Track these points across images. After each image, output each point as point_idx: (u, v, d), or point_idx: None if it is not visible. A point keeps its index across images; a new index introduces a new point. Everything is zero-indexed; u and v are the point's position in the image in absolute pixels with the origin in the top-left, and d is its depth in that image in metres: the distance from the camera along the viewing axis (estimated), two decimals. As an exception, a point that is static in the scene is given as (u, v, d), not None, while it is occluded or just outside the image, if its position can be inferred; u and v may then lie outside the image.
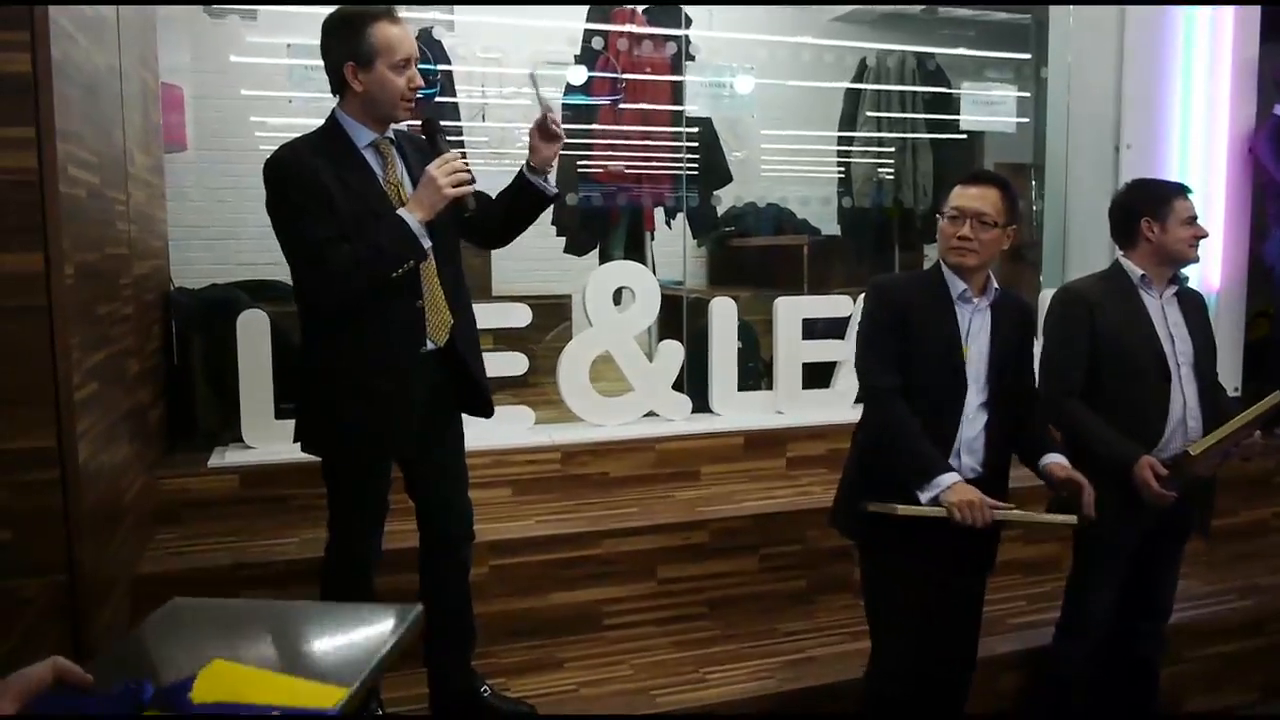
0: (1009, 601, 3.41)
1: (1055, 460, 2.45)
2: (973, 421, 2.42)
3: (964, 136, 6.39)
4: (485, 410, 2.55)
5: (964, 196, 2.41)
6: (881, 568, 2.50)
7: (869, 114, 5.86)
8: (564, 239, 5.04)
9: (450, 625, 2.58)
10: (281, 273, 2.42)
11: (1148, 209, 2.72)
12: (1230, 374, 4.35)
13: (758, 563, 3.32)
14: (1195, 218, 2.74)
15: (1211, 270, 4.46)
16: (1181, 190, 2.76)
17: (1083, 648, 2.81)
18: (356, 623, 1.68)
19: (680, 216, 4.96)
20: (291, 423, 2.41)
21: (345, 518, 2.46)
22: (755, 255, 6.07)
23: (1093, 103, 4.76)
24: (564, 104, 4.79)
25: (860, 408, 2.53)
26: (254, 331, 3.37)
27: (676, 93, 4.76)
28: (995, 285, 2.46)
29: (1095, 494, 2.40)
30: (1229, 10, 4.46)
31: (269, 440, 3.38)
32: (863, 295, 2.54)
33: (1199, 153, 4.53)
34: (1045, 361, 2.75)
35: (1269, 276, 4.53)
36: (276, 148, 2.26)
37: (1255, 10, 4.48)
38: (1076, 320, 2.70)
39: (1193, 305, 2.80)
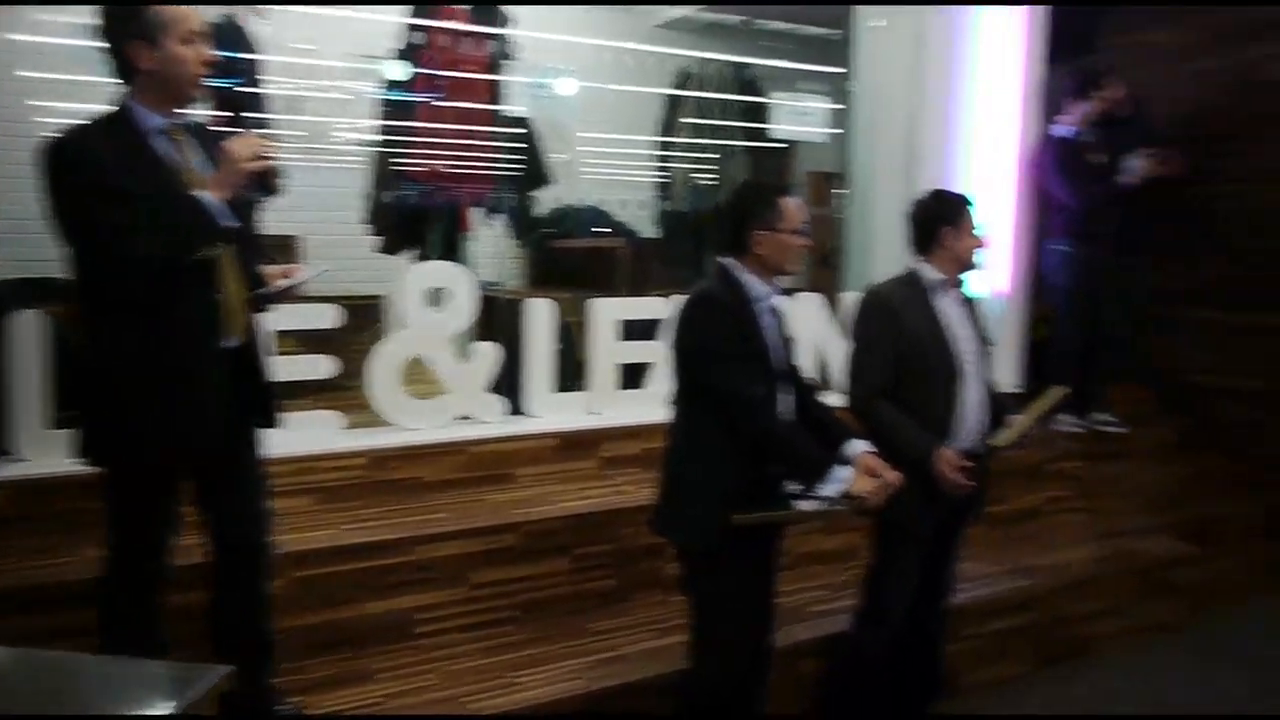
0: (809, 591, 3.57)
1: (865, 447, 2.59)
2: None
3: (781, 145, 6.63)
4: (269, 417, 2.47)
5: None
6: (734, 574, 2.54)
7: (688, 120, 5.99)
8: (380, 238, 4.92)
9: (246, 642, 2.49)
10: (59, 269, 2.26)
11: (947, 217, 2.90)
12: (1015, 372, 4.72)
13: (570, 564, 3.35)
14: (979, 228, 2.95)
15: (998, 276, 4.81)
16: (969, 201, 2.97)
17: (883, 634, 2.97)
18: (139, 686, 1.41)
19: (500, 217, 4.95)
20: (70, 432, 2.26)
21: (133, 534, 2.32)
22: (575, 257, 6.12)
23: (893, 115, 5.04)
24: (384, 100, 4.69)
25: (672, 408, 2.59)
26: (28, 334, 3.14)
27: (497, 92, 4.74)
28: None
29: (902, 489, 2.56)
30: (1021, 33, 4.81)
31: (43, 452, 3.14)
32: (680, 298, 2.59)
33: (989, 166, 4.88)
34: (853, 361, 2.91)
35: (1047, 283, 4.92)
36: (55, 134, 2.12)
37: (1045, 34, 4.85)
38: (882, 322, 2.86)
39: (973, 307, 3.02)
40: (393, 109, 4.65)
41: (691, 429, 2.55)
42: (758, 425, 2.43)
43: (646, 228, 6.27)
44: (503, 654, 3.06)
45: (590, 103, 6.24)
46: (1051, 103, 4.89)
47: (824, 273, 5.82)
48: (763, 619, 2.68)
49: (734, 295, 2.49)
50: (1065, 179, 4.65)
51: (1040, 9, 4.87)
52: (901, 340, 2.82)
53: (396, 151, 4.68)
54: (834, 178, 6.12)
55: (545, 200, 6.14)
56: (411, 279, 3.76)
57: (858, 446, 2.53)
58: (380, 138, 4.78)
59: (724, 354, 2.43)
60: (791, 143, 6.73)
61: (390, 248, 4.94)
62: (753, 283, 2.51)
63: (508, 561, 3.27)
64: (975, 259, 2.93)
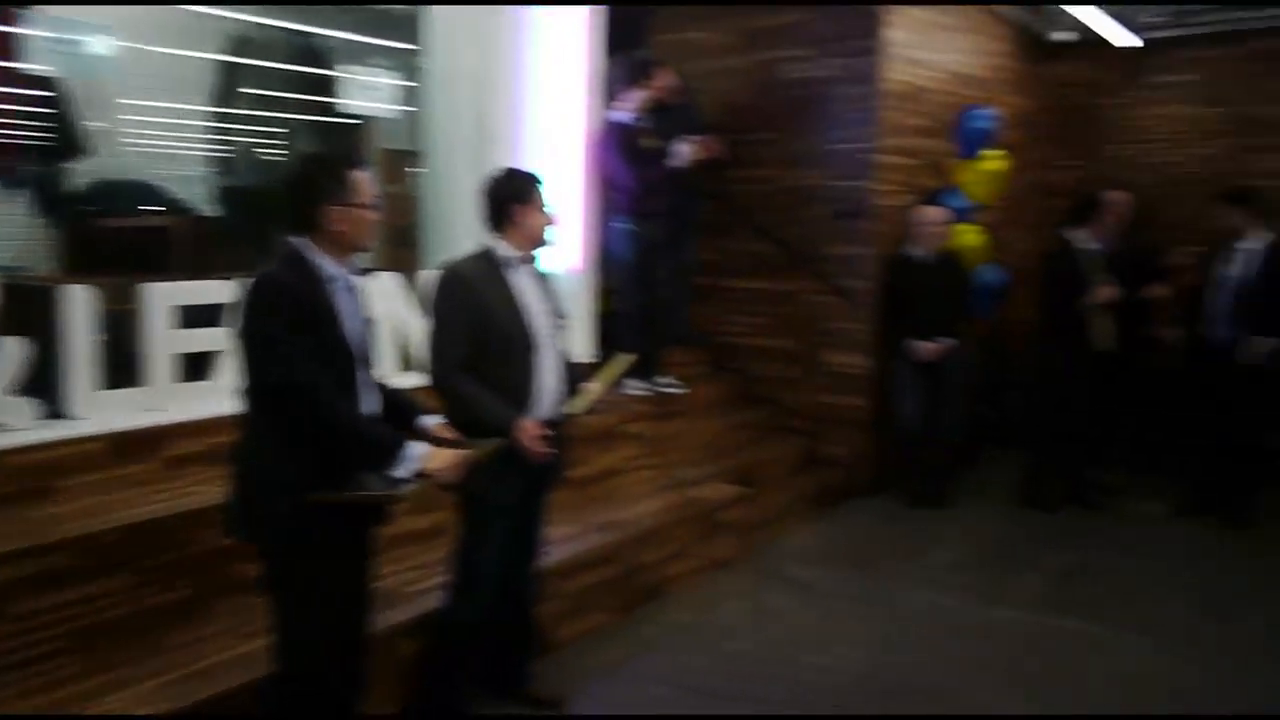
0: (403, 572, 3.55)
1: (437, 421, 2.60)
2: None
3: (353, 121, 6.40)
4: None
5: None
6: (316, 567, 2.44)
7: (248, 90, 5.58)
8: None
9: None
10: None
11: (519, 195, 2.98)
12: (587, 343, 5.01)
13: (134, 579, 3.01)
14: (549, 205, 3.07)
15: (569, 252, 5.06)
16: (539, 180, 3.07)
17: (476, 604, 3.04)
18: None
19: (22, 191, 4.27)
20: None
21: None
22: (121, 237, 5.47)
23: (465, 94, 5.08)
24: None
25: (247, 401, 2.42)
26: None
27: (13, 47, 4.06)
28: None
29: (484, 462, 2.67)
30: (582, 23, 5.06)
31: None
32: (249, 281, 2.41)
33: (556, 147, 5.09)
34: (433, 338, 2.91)
35: (610, 258, 5.27)
36: None
37: (602, 29, 5.14)
38: (459, 299, 2.89)
39: (545, 281, 3.15)
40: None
41: (259, 420, 2.41)
42: (316, 415, 2.34)
43: (205, 204, 5.76)
44: (57, 691, 2.71)
45: (135, 66, 5.59)
46: (611, 90, 5.23)
47: (401, 251, 5.75)
48: (354, 610, 2.62)
49: (301, 277, 2.37)
50: (623, 161, 4.99)
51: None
52: (479, 315, 2.88)
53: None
54: (408, 155, 6.05)
55: (81, 173, 5.41)
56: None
57: (429, 422, 2.55)
58: None
59: (282, 340, 2.30)
60: (364, 118, 6.54)
61: None
62: (324, 262, 2.41)
63: (55, 586, 2.85)
64: (546, 235, 3.06)
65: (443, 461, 2.44)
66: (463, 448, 2.57)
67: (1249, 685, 3.51)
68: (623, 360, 3.21)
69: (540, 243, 3.06)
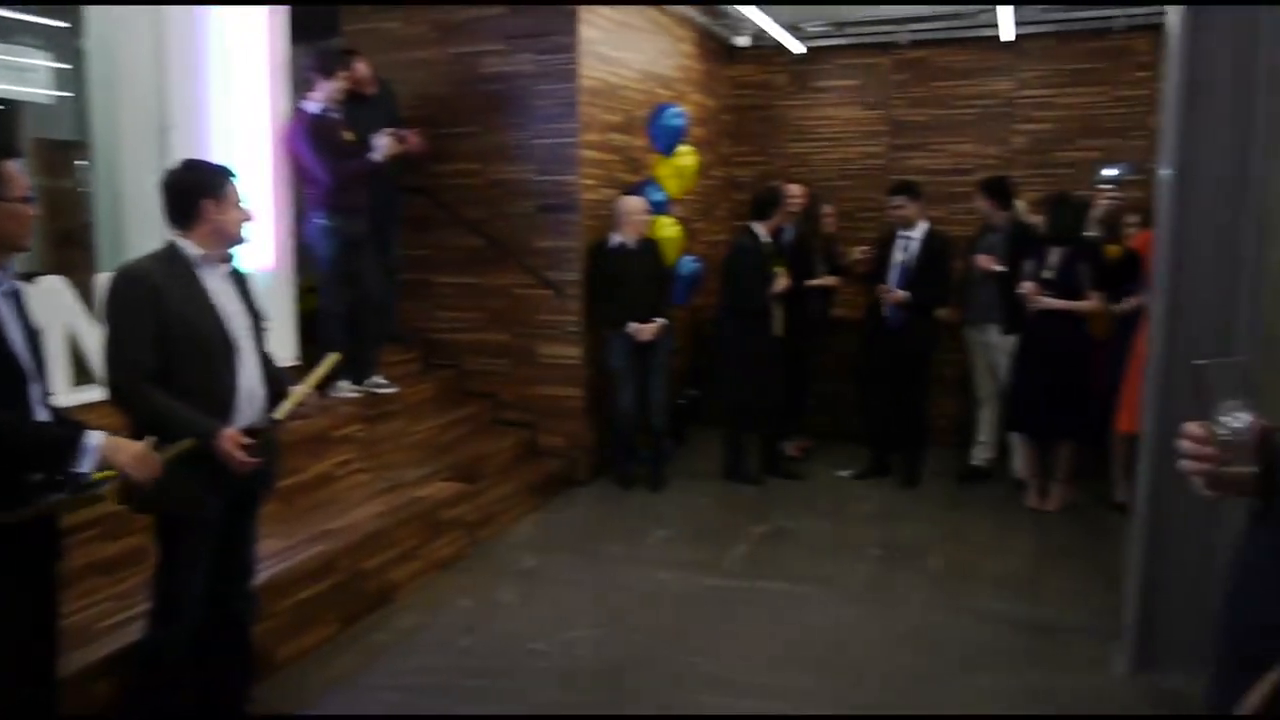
0: (93, 606, 3.22)
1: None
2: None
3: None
4: None
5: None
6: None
7: None
8: None
9: None
10: None
11: (209, 189, 2.76)
12: (289, 344, 4.76)
13: None
14: (243, 200, 2.89)
15: (264, 250, 4.78)
16: (231, 174, 2.88)
17: (180, 632, 2.81)
18: None
19: None
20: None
21: None
22: None
23: (138, 82, 4.65)
24: None
25: None
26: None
27: None
28: None
29: (180, 476, 2.53)
30: (262, 12, 4.77)
31: None
32: None
33: (244, 139, 4.78)
34: (111, 348, 2.66)
35: (311, 255, 5.05)
36: None
37: (286, 14, 4.88)
38: (141, 302, 2.65)
39: (243, 282, 2.96)
40: None
41: None
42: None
43: None
44: None
45: None
46: (303, 81, 4.99)
47: (69, 253, 5.18)
48: (36, 652, 2.33)
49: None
50: (316, 154, 4.79)
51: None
52: (166, 320, 2.66)
53: None
54: (70, 146, 5.45)
55: None
56: None
57: (95, 438, 2.32)
58: None
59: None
60: (11, 104, 5.80)
61: None
62: None
63: None
64: (241, 233, 2.88)
65: (129, 455, 2.25)
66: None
67: (929, 625, 3.97)
68: (328, 360, 3.08)
69: (234, 241, 2.88)
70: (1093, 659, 3.61)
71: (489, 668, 3.56)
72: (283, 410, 2.82)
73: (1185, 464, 1.33)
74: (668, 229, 6.03)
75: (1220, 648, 1.24)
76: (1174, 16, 3.30)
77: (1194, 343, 3.28)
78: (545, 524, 5.23)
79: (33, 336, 2.32)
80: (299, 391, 2.89)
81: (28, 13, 5.53)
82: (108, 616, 3.17)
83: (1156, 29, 6.37)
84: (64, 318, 3.90)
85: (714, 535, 5.01)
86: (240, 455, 2.69)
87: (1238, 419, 1.23)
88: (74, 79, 5.10)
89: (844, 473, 6.04)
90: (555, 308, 5.80)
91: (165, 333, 2.66)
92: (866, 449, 6.08)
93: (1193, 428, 1.29)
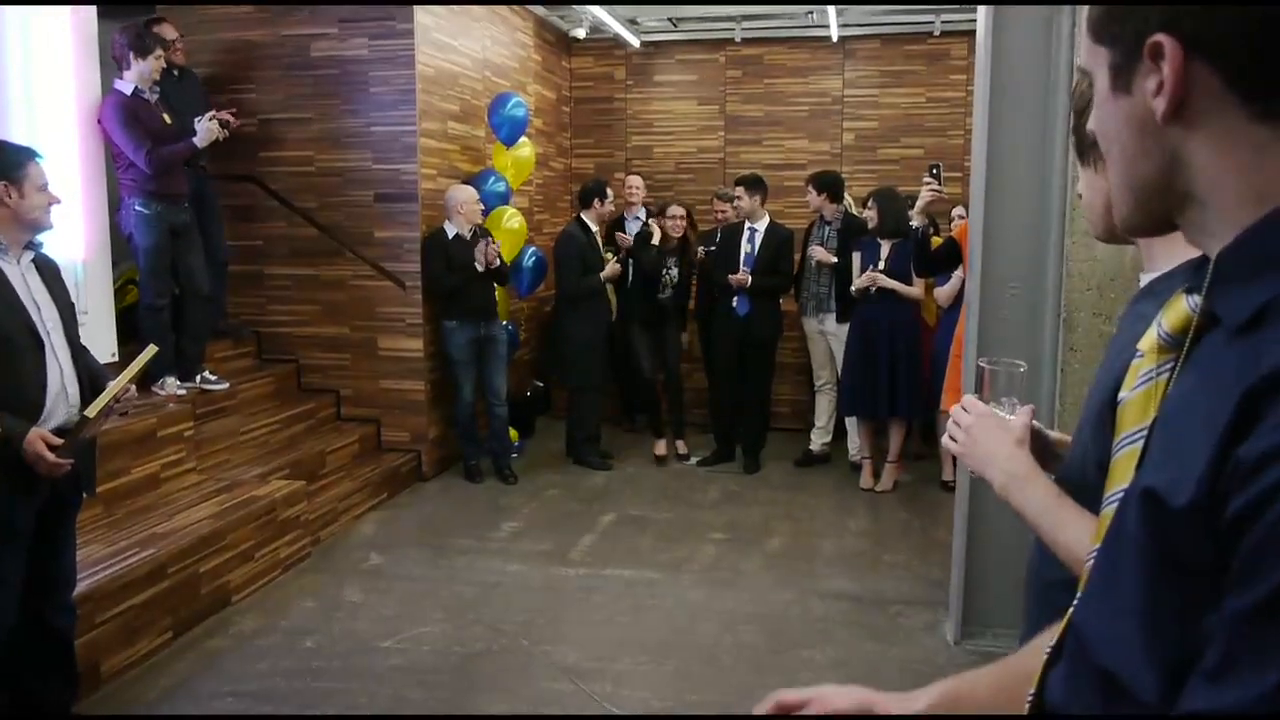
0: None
1: None
2: None
3: None
4: None
5: None
6: None
7: None
8: None
9: None
10: None
11: (6, 173, 2.60)
12: (106, 340, 4.47)
13: None
14: (48, 184, 2.72)
15: (76, 240, 4.46)
16: (33, 155, 2.70)
17: (-10, 648, 2.61)
18: None
19: None
20: None
21: None
22: None
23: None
24: None
25: None
26: None
27: None
28: None
29: None
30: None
31: None
32: None
33: (48, 122, 4.44)
34: None
35: (129, 244, 4.75)
36: None
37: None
38: None
39: (50, 273, 2.79)
40: None
41: None
42: None
43: None
44: None
45: None
46: (115, 59, 4.68)
47: None
48: None
49: None
50: (131, 137, 4.51)
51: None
52: None
53: None
54: None
55: None
56: None
57: None
58: None
59: None
60: None
61: None
62: None
63: None
64: (42, 219, 2.70)
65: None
66: None
67: (771, 604, 4.11)
68: (146, 353, 2.92)
69: (38, 227, 2.69)
70: (924, 628, 3.83)
71: (335, 669, 3.46)
72: (95, 407, 2.65)
73: (948, 441, 1.38)
74: (510, 220, 5.99)
75: (1029, 605, 1.34)
76: (981, 18, 3.53)
77: (1005, 324, 3.53)
78: (391, 521, 5.11)
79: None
80: (113, 386, 2.72)
81: None
82: (-95, 637, 2.89)
83: (971, 34, 6.81)
84: None
85: (563, 525, 5.02)
86: (50, 457, 2.52)
87: (1014, 408, 1.33)
88: None
89: (692, 460, 6.17)
90: (396, 300, 5.67)
91: None
92: (713, 436, 6.24)
93: (965, 402, 1.35)
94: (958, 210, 5.64)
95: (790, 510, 5.31)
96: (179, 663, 3.49)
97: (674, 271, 6.24)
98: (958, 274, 4.97)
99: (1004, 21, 3.46)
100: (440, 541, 4.73)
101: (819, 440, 6.15)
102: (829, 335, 5.89)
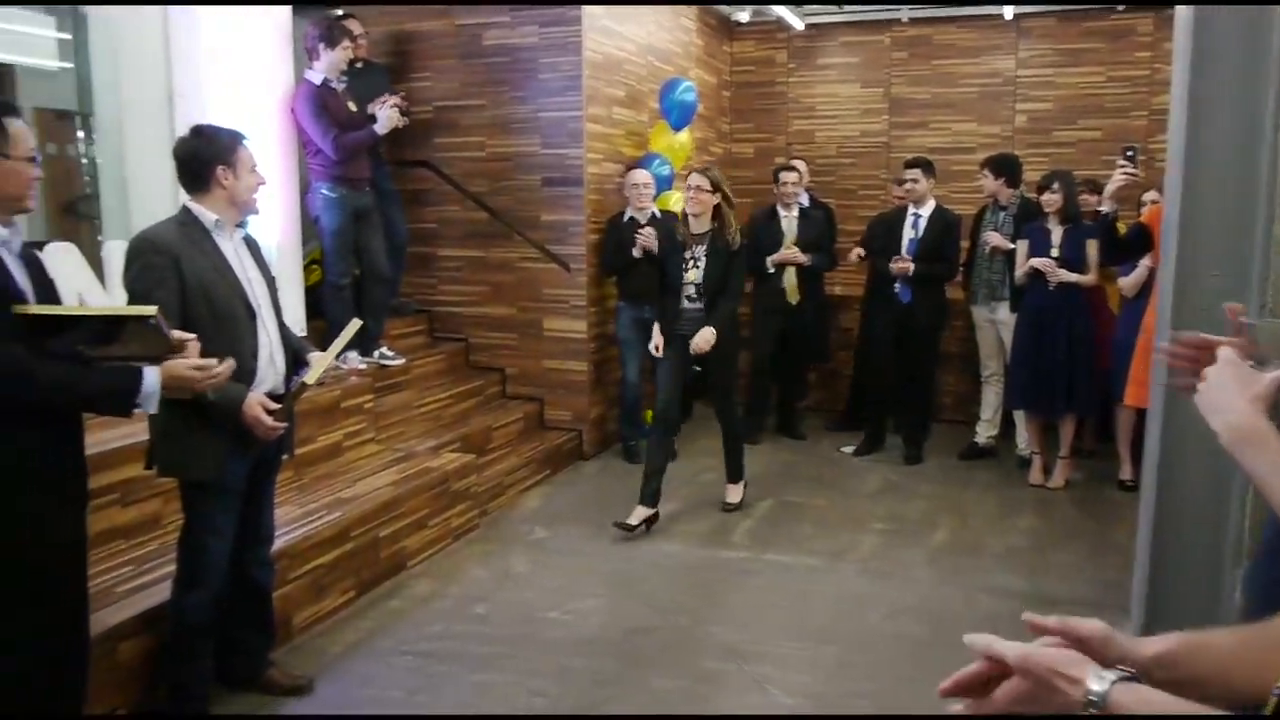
0: (114, 570, 3.22)
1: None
2: None
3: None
4: None
5: None
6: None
7: None
8: None
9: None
10: None
11: (220, 156, 2.75)
12: (295, 316, 4.74)
13: None
14: (256, 166, 2.89)
15: (272, 222, 4.76)
16: (242, 138, 2.87)
17: (205, 595, 2.82)
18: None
19: None
20: None
21: None
22: None
23: (142, 49, 4.61)
24: None
25: None
26: None
27: None
28: None
29: (204, 441, 2.63)
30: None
31: None
32: None
33: (248, 110, 4.74)
34: None
35: (315, 226, 5.03)
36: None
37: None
38: (162, 269, 2.64)
39: (255, 249, 2.96)
40: None
41: None
42: (12, 386, 2.08)
43: None
44: None
45: None
46: (300, 50, 4.95)
47: (75, 222, 5.16)
48: (66, 608, 2.34)
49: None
50: (320, 125, 4.76)
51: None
52: (186, 286, 2.66)
53: None
54: (73, 116, 5.40)
55: None
56: None
57: (152, 377, 2.30)
58: None
59: None
60: (4, 68, 5.72)
61: None
62: None
63: None
64: (254, 199, 2.87)
65: (183, 372, 2.31)
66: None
67: (934, 598, 4.01)
68: (352, 327, 3.09)
69: (248, 207, 2.87)
70: (1100, 628, 3.65)
71: (503, 634, 3.59)
72: (313, 375, 2.82)
73: (1174, 369, 1.30)
74: (677, 205, 6.02)
75: (1250, 604, 1.26)
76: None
77: (1201, 314, 3.31)
78: (553, 496, 5.25)
79: (48, 297, 2.30)
80: (325, 357, 2.89)
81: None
82: (128, 580, 3.17)
83: (1158, 8, 6.41)
84: (73, 283, 3.88)
85: (721, 509, 5.03)
86: (267, 420, 2.70)
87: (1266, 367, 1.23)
88: (76, 48, 5.05)
89: (846, 449, 6.08)
90: (561, 282, 5.80)
91: (186, 299, 2.65)
92: (865, 425, 6.13)
93: (1220, 351, 1.26)
94: (1149, 195, 5.32)
95: (954, 504, 5.16)
96: (361, 620, 3.69)
97: (700, 267, 4.64)
98: (1144, 262, 4.71)
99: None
100: (601, 518, 4.82)
101: (985, 433, 5.94)
102: (1000, 324, 5.67)
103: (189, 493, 2.83)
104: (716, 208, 4.57)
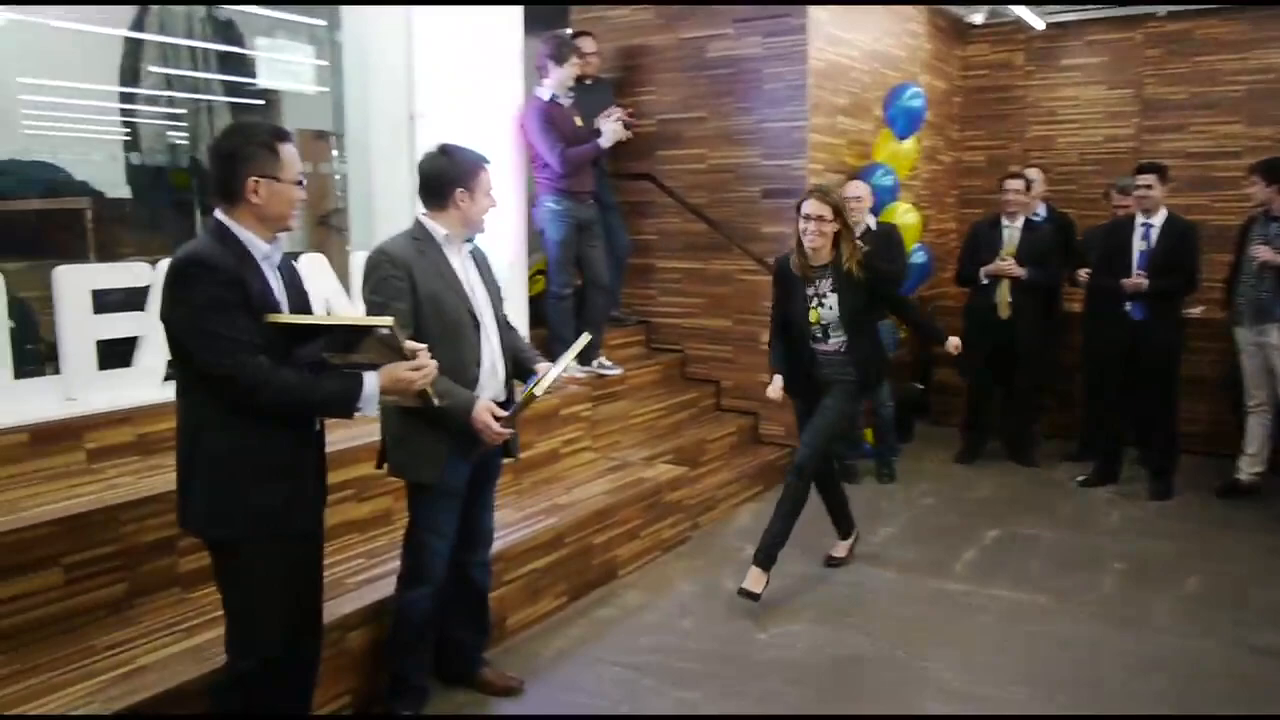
0: (347, 561, 3.43)
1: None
2: None
3: (262, 101, 6.15)
4: None
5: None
6: (264, 560, 2.32)
7: (155, 68, 5.26)
8: None
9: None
10: None
11: (462, 179, 2.84)
12: (520, 326, 4.90)
13: (63, 575, 2.83)
14: (491, 189, 2.94)
15: (500, 234, 4.94)
16: (485, 162, 2.93)
17: (426, 592, 2.94)
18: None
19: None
20: None
21: None
22: (26, 221, 5.14)
23: (387, 71, 4.91)
24: None
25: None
26: None
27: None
28: None
29: (431, 443, 2.70)
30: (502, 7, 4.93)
31: None
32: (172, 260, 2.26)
33: (483, 126, 4.95)
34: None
35: (540, 239, 5.19)
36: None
37: (521, 9, 5.03)
38: (398, 282, 2.77)
39: (482, 261, 3.04)
40: None
41: (196, 404, 2.27)
42: (248, 393, 2.20)
43: (116, 186, 5.46)
44: (-20, 698, 2.52)
45: (32, 42, 5.26)
46: (530, 68, 5.12)
47: (326, 233, 5.58)
48: (303, 602, 2.49)
49: (228, 253, 2.22)
50: (547, 139, 4.90)
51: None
52: (417, 295, 2.77)
53: None
54: (328, 136, 5.85)
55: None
56: None
57: (371, 382, 2.35)
58: None
59: (202, 320, 2.16)
60: (273, 95, 6.28)
61: None
62: (252, 238, 2.28)
63: (-25, 586, 2.67)
64: (483, 220, 2.94)
65: (401, 373, 2.35)
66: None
67: (1184, 652, 3.62)
68: (582, 339, 3.15)
69: (477, 227, 2.95)
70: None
71: (710, 652, 3.54)
72: (542, 386, 2.87)
73: None
74: (905, 215, 5.80)
75: None
76: None
77: None
78: (765, 513, 5.08)
79: (302, 307, 2.46)
80: (555, 370, 2.93)
81: (292, 12, 5.94)
82: (359, 572, 3.36)
83: None
84: (324, 293, 4.18)
85: (942, 536, 4.78)
86: (495, 426, 2.77)
87: None
88: (331, 73, 5.45)
89: (1080, 479, 5.62)
90: (778, 295, 5.70)
91: (416, 309, 2.77)
92: (1095, 453, 5.65)
93: None
94: None
95: (1209, 547, 4.65)
96: (572, 627, 3.75)
97: (826, 305, 3.98)
98: None
99: None
100: (815, 540, 4.67)
101: (1249, 469, 5.32)
102: (1270, 349, 5.04)
103: (414, 493, 2.95)
104: (836, 234, 3.94)
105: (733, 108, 5.80)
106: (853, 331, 3.98)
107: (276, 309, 2.28)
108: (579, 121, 5.10)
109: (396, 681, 3.00)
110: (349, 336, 2.33)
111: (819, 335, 4.02)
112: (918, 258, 5.94)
